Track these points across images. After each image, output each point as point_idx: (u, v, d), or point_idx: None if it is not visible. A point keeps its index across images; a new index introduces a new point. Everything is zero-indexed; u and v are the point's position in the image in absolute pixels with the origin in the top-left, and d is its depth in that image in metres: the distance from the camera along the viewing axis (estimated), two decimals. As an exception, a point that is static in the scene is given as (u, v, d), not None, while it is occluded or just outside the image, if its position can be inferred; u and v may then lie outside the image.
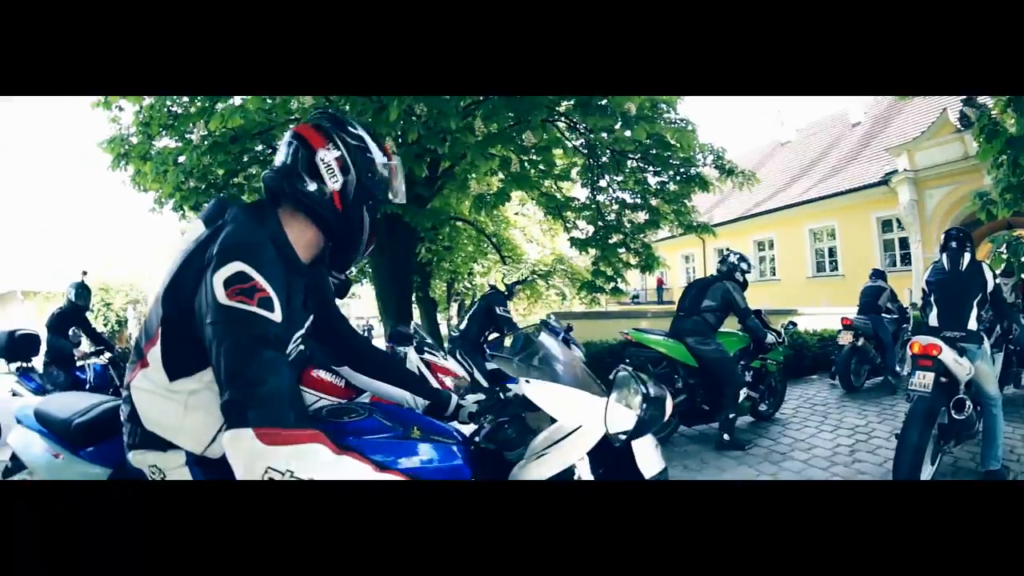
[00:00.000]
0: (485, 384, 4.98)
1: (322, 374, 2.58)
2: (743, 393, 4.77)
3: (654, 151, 7.28)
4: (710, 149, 7.69)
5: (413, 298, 14.43)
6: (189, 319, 1.12)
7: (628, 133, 6.05)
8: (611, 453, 1.48)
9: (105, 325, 20.07)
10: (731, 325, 5.07)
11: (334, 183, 1.26)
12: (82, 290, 5.82)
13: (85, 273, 6.38)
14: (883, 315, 7.30)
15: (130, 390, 1.24)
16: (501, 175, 7.12)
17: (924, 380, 3.38)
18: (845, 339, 6.96)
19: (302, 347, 1.44)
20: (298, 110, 5.53)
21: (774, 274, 21.53)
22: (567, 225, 8.88)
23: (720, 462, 4.27)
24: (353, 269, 3.22)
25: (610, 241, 8.10)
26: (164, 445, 1.21)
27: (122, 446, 1.31)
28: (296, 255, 1.27)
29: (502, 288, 5.83)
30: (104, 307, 20.46)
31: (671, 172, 7.83)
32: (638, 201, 8.22)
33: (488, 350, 5.43)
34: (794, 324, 5.91)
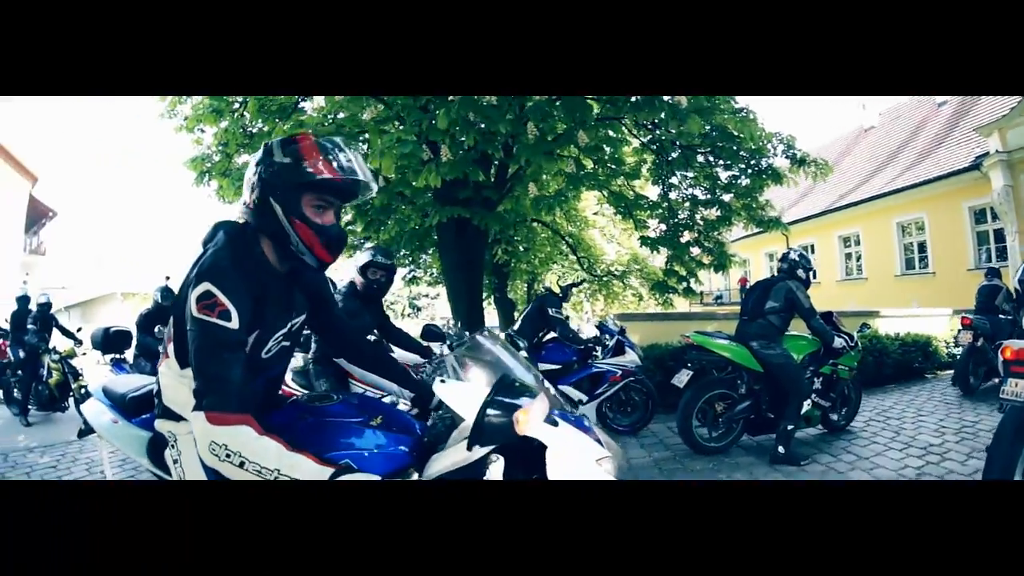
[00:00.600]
0: None
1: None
2: (808, 403, 4.46)
3: (721, 144, 7.08)
4: (779, 138, 7.39)
5: (491, 299, 14.69)
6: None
7: (682, 127, 5.91)
8: (525, 454, 1.49)
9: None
10: (799, 328, 4.77)
11: (252, 197, 1.46)
12: (167, 293, 6.62)
13: (168, 278, 7.11)
14: (999, 316, 6.89)
15: (158, 374, 1.57)
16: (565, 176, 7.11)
17: (1018, 388, 3.06)
18: (965, 339, 6.69)
19: (285, 343, 1.62)
20: (369, 122, 5.76)
21: (860, 272, 20.02)
22: (638, 224, 8.71)
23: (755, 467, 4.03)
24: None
25: (681, 240, 7.93)
26: (177, 417, 1.52)
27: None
28: (272, 266, 1.51)
29: (557, 290, 5.78)
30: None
31: (741, 165, 7.57)
32: (709, 197, 7.97)
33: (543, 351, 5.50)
34: (867, 326, 5.50)
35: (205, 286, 1.31)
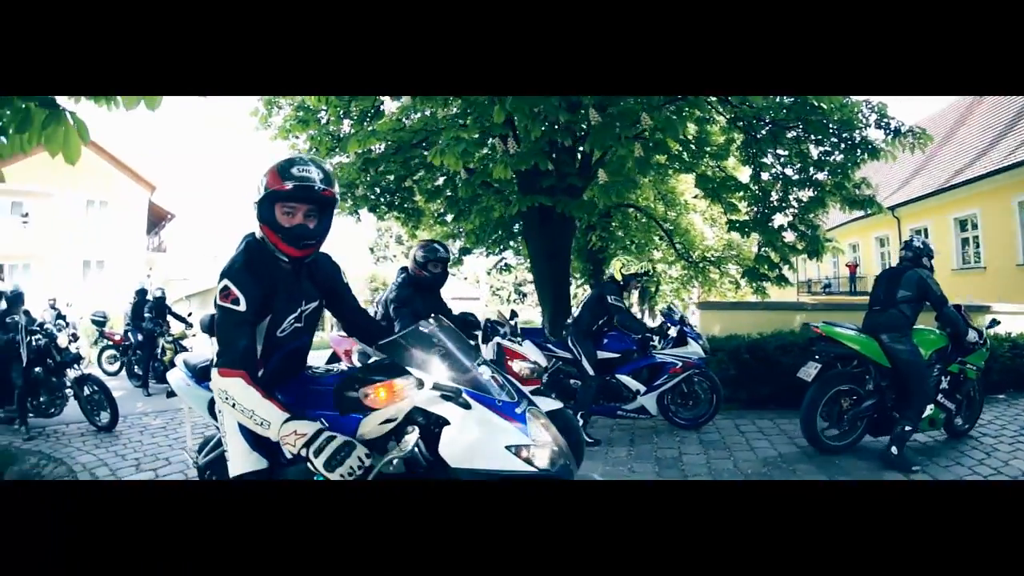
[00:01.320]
0: (591, 372, 5.01)
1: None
2: (931, 406, 4.22)
3: (811, 118, 6.72)
4: (870, 107, 6.90)
5: (588, 285, 14.75)
6: None
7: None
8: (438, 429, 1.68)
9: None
10: (925, 321, 4.46)
11: (256, 215, 1.88)
12: None
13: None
14: None
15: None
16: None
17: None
18: None
19: (298, 325, 1.99)
20: (443, 119, 6.14)
21: (978, 261, 17.43)
22: (727, 207, 8.47)
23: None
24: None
25: (773, 223, 7.56)
26: None
27: None
28: (282, 265, 1.90)
29: (619, 278, 5.70)
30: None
31: (833, 140, 7.10)
32: (801, 177, 7.54)
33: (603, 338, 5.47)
34: (996, 322, 5.03)
35: (224, 282, 1.77)
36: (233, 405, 1.65)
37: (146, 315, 8.56)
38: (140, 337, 8.55)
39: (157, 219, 27.28)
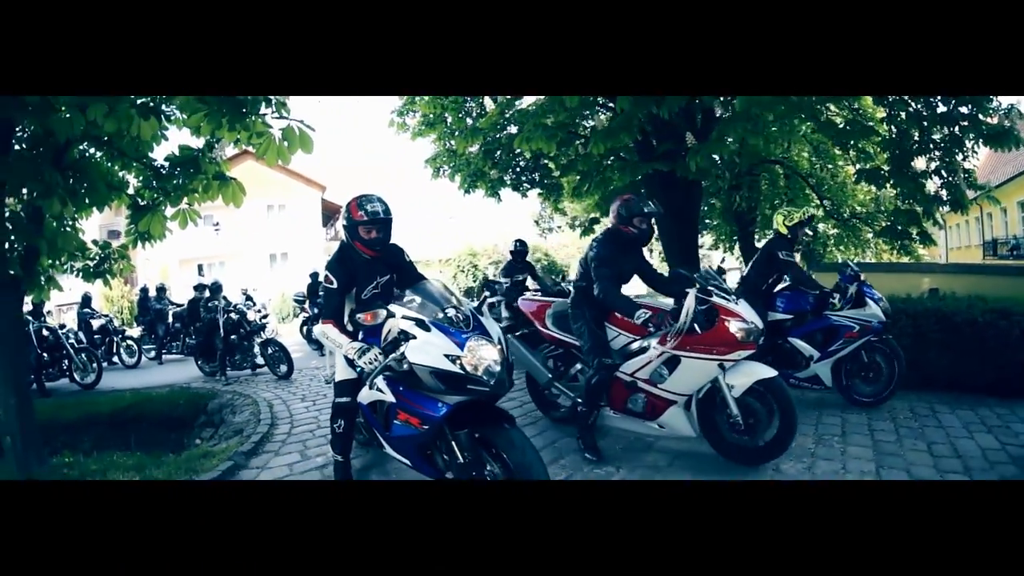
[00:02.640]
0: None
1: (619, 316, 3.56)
2: None
3: None
4: None
5: (734, 248, 14.39)
6: None
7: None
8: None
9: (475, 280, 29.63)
10: None
11: (342, 229, 3.03)
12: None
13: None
14: None
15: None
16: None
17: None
18: None
19: (375, 291, 3.01)
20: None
21: None
22: (860, 156, 7.90)
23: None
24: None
25: (912, 168, 6.77)
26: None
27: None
28: (361, 256, 2.98)
29: (784, 231, 5.06)
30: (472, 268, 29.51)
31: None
32: (944, 110, 6.53)
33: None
34: None
35: (325, 271, 2.91)
36: (327, 338, 2.81)
37: (318, 294, 10.42)
38: (315, 311, 10.38)
39: (331, 213, 31.48)
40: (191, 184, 3.89)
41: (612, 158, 7.76)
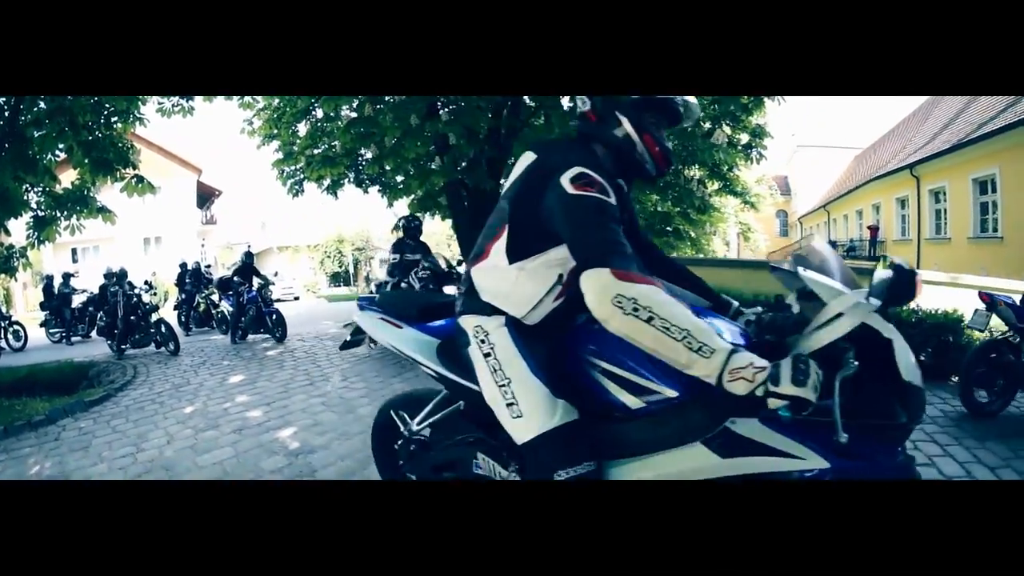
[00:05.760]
0: None
1: None
2: None
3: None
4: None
5: None
6: (534, 214, 1.60)
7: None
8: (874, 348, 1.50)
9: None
10: None
11: (593, 111, 1.73)
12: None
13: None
14: None
15: (470, 274, 1.81)
16: None
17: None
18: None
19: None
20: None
21: (996, 230, 15.05)
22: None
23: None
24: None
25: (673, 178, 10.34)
26: (490, 310, 1.73)
27: (445, 325, 2.12)
28: (606, 170, 1.63)
29: None
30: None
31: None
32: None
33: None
34: None
35: (578, 168, 1.52)
36: (649, 320, 1.34)
37: (187, 281, 12.35)
38: (183, 296, 12.25)
39: (207, 196, 32.15)
40: (80, 209, 6.03)
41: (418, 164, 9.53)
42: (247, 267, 10.09)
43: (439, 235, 30.92)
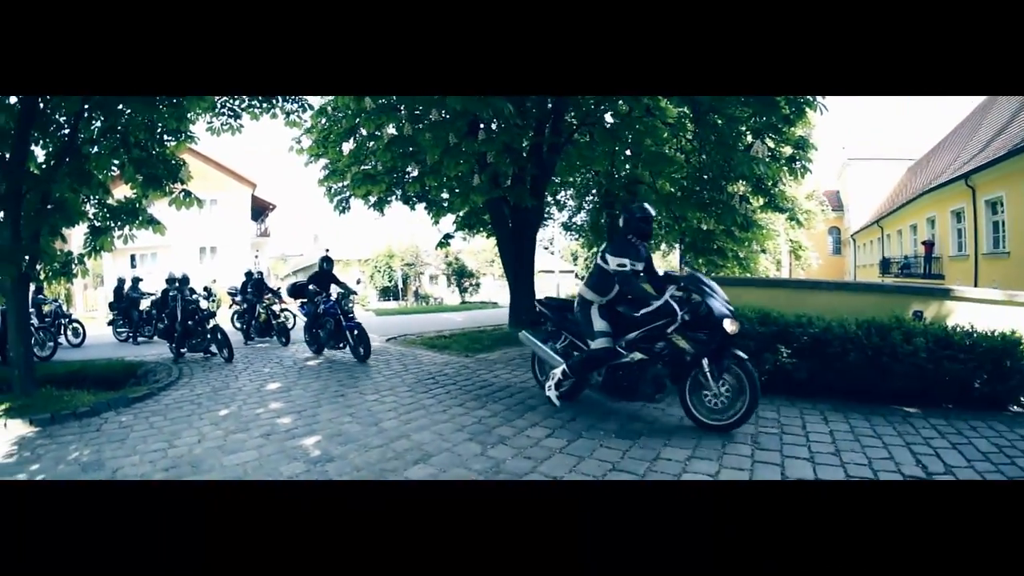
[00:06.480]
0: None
1: None
2: None
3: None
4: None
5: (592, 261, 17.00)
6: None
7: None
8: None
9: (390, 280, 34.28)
10: None
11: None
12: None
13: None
14: None
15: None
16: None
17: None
18: None
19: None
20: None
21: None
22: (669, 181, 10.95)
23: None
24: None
25: (708, 196, 10.40)
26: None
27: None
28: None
29: None
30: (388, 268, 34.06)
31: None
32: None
33: None
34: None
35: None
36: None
37: (248, 290, 12.08)
38: (246, 305, 12.04)
39: (261, 210, 33.45)
40: (132, 220, 6.51)
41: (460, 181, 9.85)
42: (325, 274, 9.10)
43: (488, 251, 31.26)
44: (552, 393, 4.82)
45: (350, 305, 8.57)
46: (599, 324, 4.54)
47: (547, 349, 5.10)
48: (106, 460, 3.99)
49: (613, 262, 4.38)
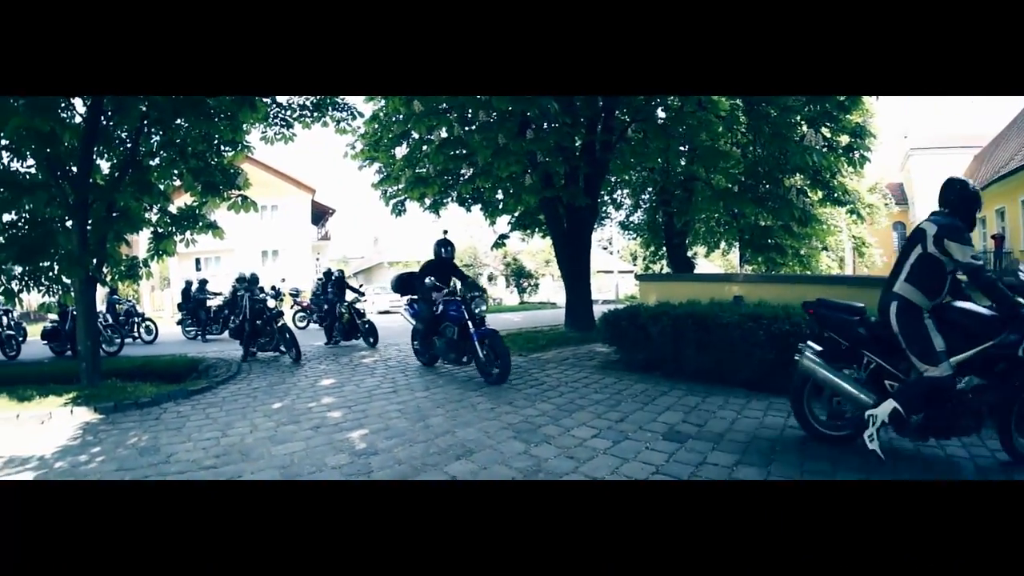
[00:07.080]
0: None
1: None
2: None
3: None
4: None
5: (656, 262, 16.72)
6: None
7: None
8: None
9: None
10: None
11: None
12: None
13: None
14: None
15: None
16: None
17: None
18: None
19: None
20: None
21: None
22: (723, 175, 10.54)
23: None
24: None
25: (764, 190, 10.25)
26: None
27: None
28: None
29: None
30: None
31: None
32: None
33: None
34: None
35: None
36: None
37: (329, 290, 11.50)
38: (326, 306, 11.39)
39: (321, 214, 34.58)
40: (192, 226, 6.99)
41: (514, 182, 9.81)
42: (444, 263, 7.73)
43: (546, 252, 31.24)
44: (875, 444, 3.25)
45: (481, 308, 6.49)
46: (939, 342, 3.19)
47: (850, 383, 3.59)
48: (162, 446, 4.20)
49: (963, 252, 3.11)
